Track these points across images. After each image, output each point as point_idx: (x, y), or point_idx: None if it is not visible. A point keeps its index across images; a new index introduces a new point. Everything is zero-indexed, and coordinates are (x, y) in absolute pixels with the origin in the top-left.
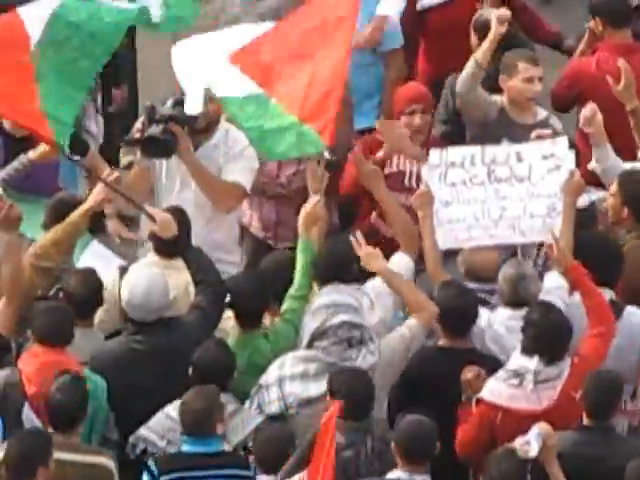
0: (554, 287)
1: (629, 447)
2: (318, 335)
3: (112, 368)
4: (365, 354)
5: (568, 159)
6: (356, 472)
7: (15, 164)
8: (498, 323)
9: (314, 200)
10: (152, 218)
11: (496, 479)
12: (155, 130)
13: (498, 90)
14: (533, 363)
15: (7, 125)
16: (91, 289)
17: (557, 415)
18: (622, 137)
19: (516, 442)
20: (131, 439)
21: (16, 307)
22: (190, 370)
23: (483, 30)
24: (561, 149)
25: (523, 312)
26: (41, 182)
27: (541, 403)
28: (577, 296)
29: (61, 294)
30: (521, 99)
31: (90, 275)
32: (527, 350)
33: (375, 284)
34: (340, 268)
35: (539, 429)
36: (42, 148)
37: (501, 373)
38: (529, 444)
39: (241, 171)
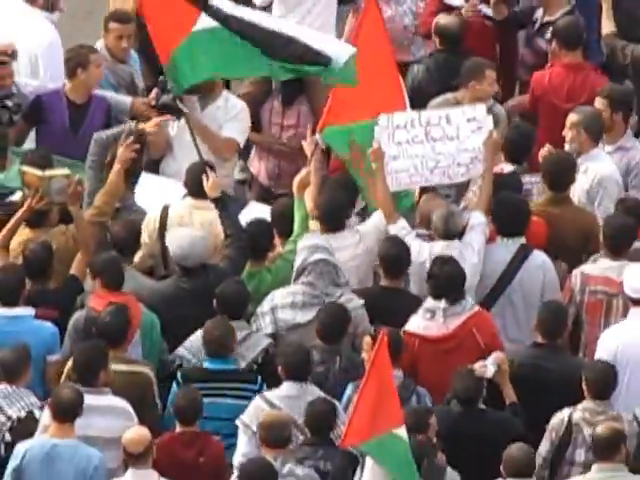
0: (477, 223)
1: (573, 363)
2: (301, 271)
3: (163, 304)
4: (351, 298)
5: (487, 122)
6: (326, 384)
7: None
8: (436, 253)
9: (305, 171)
10: (207, 175)
11: (459, 392)
12: (166, 98)
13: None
14: (441, 304)
15: (70, 94)
16: (132, 233)
17: (459, 338)
18: (563, 141)
19: (476, 365)
20: (170, 357)
21: (88, 258)
22: (215, 302)
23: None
24: (481, 113)
25: (455, 243)
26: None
27: (448, 329)
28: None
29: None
30: (485, 97)
31: (131, 222)
32: (434, 295)
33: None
34: (336, 213)
35: (496, 355)
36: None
37: (420, 311)
38: (486, 367)
39: (237, 130)
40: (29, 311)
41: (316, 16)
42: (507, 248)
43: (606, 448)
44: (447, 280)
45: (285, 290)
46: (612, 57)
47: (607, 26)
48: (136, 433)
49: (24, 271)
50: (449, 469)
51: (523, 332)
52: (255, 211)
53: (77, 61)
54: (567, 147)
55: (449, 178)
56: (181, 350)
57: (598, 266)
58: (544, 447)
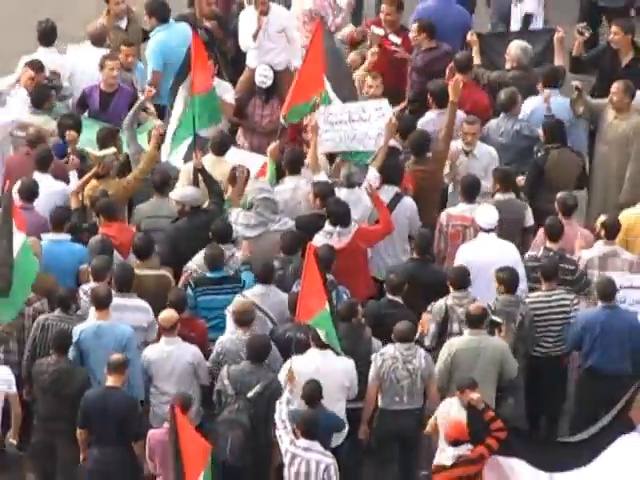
0: (371, 177)
1: (439, 272)
2: (251, 204)
3: (175, 235)
4: (286, 221)
5: (388, 111)
6: (283, 282)
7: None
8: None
9: (274, 143)
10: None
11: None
12: None
13: None
14: (337, 228)
15: (103, 85)
16: (165, 178)
17: (349, 249)
18: None
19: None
20: (184, 268)
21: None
22: (210, 234)
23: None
24: (385, 105)
25: (356, 190)
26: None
27: (341, 244)
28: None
29: None
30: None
31: (164, 170)
32: (332, 223)
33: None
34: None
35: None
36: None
37: (321, 232)
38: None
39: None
40: (67, 237)
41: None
42: (387, 193)
43: (476, 320)
44: (342, 214)
45: (242, 213)
46: (476, 79)
47: (476, 59)
48: (168, 313)
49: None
50: (373, 339)
51: (397, 254)
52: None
53: (99, 64)
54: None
55: (363, 146)
56: (190, 264)
57: (457, 209)
58: (432, 327)
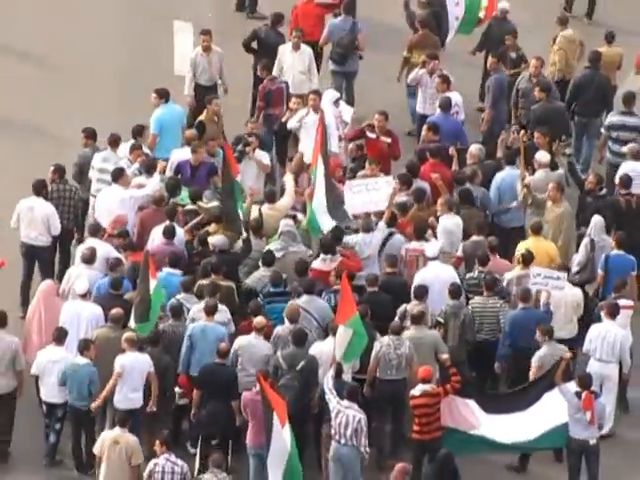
0: (381, 226)
1: (402, 282)
2: (281, 232)
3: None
4: (301, 247)
5: (391, 183)
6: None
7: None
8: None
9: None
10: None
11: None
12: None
13: None
14: (328, 256)
15: (193, 161)
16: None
17: (337, 269)
18: None
19: None
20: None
21: None
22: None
23: None
24: (390, 180)
25: (370, 234)
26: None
27: (330, 267)
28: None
29: None
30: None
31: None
32: (324, 253)
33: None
34: None
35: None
36: None
37: (319, 259)
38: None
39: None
40: (179, 272)
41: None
42: (383, 232)
43: (417, 318)
44: (330, 246)
45: (274, 242)
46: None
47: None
48: (260, 319)
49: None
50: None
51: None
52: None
53: (191, 150)
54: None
55: (376, 206)
56: (248, 282)
57: (412, 244)
58: (396, 322)
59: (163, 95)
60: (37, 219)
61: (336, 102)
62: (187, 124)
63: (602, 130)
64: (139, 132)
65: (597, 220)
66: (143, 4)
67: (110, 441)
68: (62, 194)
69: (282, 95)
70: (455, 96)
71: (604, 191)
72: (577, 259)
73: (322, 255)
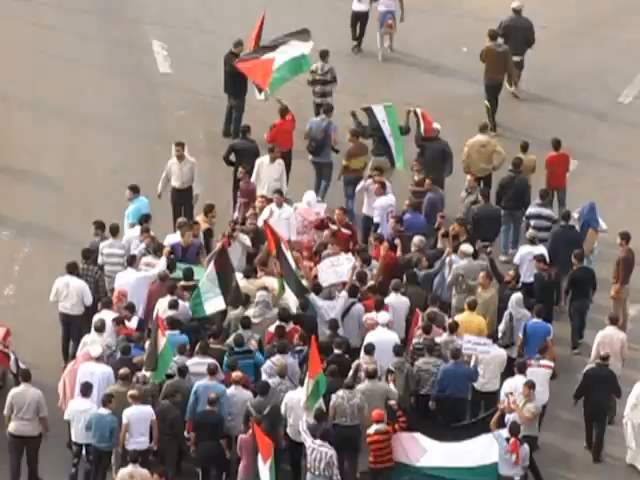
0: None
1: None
2: (258, 302)
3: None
4: (274, 313)
5: (352, 260)
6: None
7: None
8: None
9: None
10: None
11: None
12: None
13: None
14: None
15: (183, 243)
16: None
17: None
18: None
19: None
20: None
21: None
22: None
23: None
24: (350, 257)
25: (334, 301)
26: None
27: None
28: None
29: None
30: None
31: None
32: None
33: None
34: None
35: None
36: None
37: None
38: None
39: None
40: (177, 332)
41: None
42: (345, 299)
43: (372, 375)
44: (286, 317)
45: (252, 309)
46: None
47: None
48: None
49: None
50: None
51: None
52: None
53: (180, 232)
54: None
55: (340, 277)
56: (228, 341)
57: (371, 314)
58: (349, 379)
59: (136, 190)
60: (72, 293)
61: (310, 202)
62: (173, 210)
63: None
64: (146, 219)
65: (516, 297)
66: (144, 130)
67: (127, 476)
68: (88, 273)
69: (254, 192)
70: (390, 198)
71: (520, 285)
72: (500, 328)
73: (277, 322)
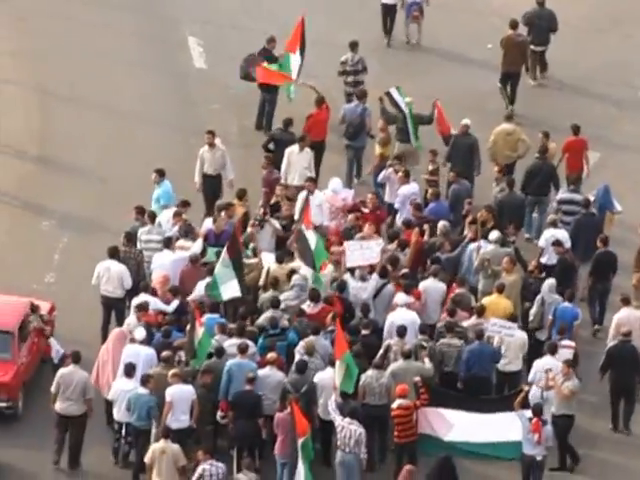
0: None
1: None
2: (294, 285)
3: None
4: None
5: (382, 244)
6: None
7: None
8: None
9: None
10: None
11: None
12: None
13: None
14: (311, 303)
15: (215, 230)
16: None
17: (319, 314)
18: None
19: None
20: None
21: None
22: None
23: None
24: (380, 241)
25: (365, 282)
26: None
27: (314, 311)
28: None
29: None
30: None
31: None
32: (310, 301)
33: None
34: None
35: None
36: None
37: (305, 304)
38: None
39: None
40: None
41: None
42: (376, 281)
43: (407, 354)
44: (315, 297)
45: (287, 293)
46: None
47: None
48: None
49: None
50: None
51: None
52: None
53: (213, 219)
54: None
55: (367, 260)
56: (259, 321)
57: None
58: (378, 359)
59: (162, 174)
60: (113, 277)
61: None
62: (205, 197)
63: (553, 204)
64: (183, 204)
65: (549, 283)
66: (180, 123)
67: (159, 451)
68: (131, 255)
69: (276, 182)
70: (414, 187)
71: (544, 274)
72: (532, 312)
73: (307, 302)
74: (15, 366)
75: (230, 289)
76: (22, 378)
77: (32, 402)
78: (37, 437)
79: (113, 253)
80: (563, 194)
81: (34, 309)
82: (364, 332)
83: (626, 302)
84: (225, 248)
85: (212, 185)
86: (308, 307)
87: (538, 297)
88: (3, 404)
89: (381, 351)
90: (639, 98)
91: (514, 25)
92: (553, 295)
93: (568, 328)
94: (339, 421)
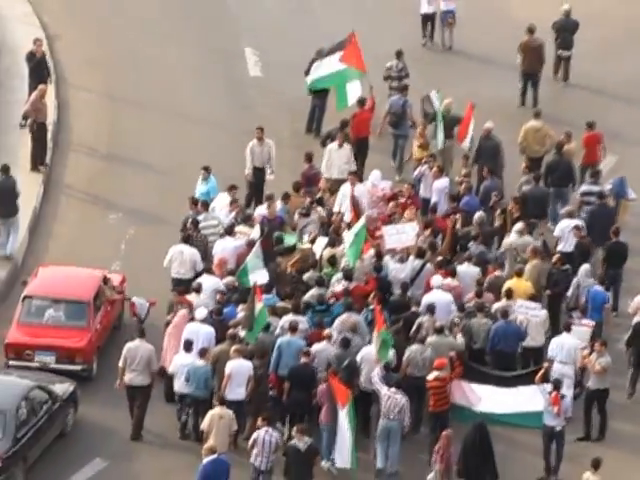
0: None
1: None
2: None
3: None
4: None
5: (416, 228)
6: None
7: None
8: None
9: None
10: None
11: None
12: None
13: None
14: (347, 282)
15: (269, 215)
16: None
17: (355, 292)
18: None
19: None
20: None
21: None
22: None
23: None
24: (414, 225)
25: (404, 264)
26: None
27: (350, 287)
28: None
29: None
30: None
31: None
32: (344, 279)
33: None
34: None
35: None
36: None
37: (338, 283)
38: None
39: None
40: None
41: None
42: (413, 262)
43: (439, 330)
44: (347, 276)
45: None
46: None
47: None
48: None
49: None
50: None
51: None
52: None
53: (266, 206)
54: None
55: (403, 244)
56: (305, 298)
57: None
58: (421, 334)
59: (209, 170)
60: (186, 259)
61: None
62: (249, 190)
63: (576, 196)
64: (231, 188)
65: (585, 268)
66: (235, 126)
67: (217, 416)
68: (198, 241)
69: (317, 178)
70: (446, 180)
71: (567, 266)
72: (568, 294)
73: (342, 281)
74: (90, 333)
75: (258, 276)
76: (96, 344)
77: (105, 366)
78: (111, 396)
79: (187, 238)
80: (584, 187)
81: (106, 281)
82: (413, 309)
83: None
84: (259, 241)
85: (259, 177)
86: (342, 286)
87: (574, 280)
88: (79, 367)
89: (414, 327)
90: None
91: (531, 30)
92: (588, 279)
93: (598, 309)
94: (385, 391)
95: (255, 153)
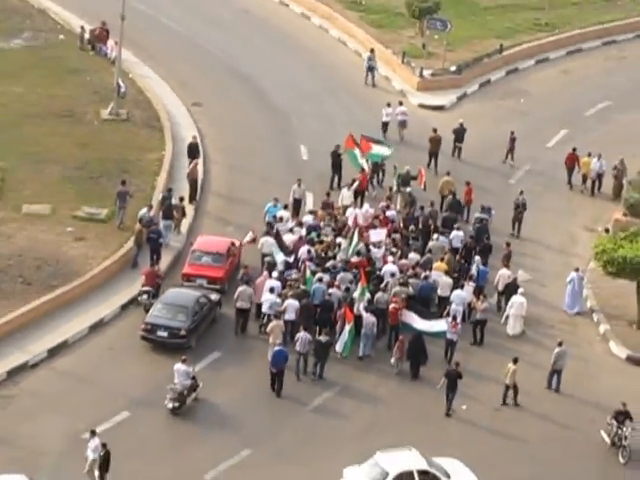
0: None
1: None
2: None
3: None
4: None
5: None
6: None
7: None
8: None
9: None
10: None
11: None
12: None
13: None
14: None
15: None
16: None
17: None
18: None
19: None
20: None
21: None
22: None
23: None
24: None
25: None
26: None
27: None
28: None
29: None
30: None
31: None
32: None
33: None
34: None
35: None
36: None
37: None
38: None
39: None
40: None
41: None
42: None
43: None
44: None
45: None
46: None
47: None
48: None
49: None
50: None
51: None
52: None
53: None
54: None
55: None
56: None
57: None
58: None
59: (277, 201)
60: (269, 244)
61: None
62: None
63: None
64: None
65: (477, 258)
66: (289, 182)
67: (276, 325)
68: (273, 235)
69: (331, 204)
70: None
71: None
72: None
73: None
74: (224, 269)
75: (279, 257)
76: (227, 276)
77: (231, 287)
78: (232, 307)
79: (269, 231)
80: (476, 214)
81: (233, 244)
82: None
83: None
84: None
85: (297, 205)
86: (354, 259)
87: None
88: (219, 286)
89: (382, 285)
90: None
91: (435, 130)
92: (480, 265)
93: (482, 278)
94: (365, 314)
95: (296, 192)
